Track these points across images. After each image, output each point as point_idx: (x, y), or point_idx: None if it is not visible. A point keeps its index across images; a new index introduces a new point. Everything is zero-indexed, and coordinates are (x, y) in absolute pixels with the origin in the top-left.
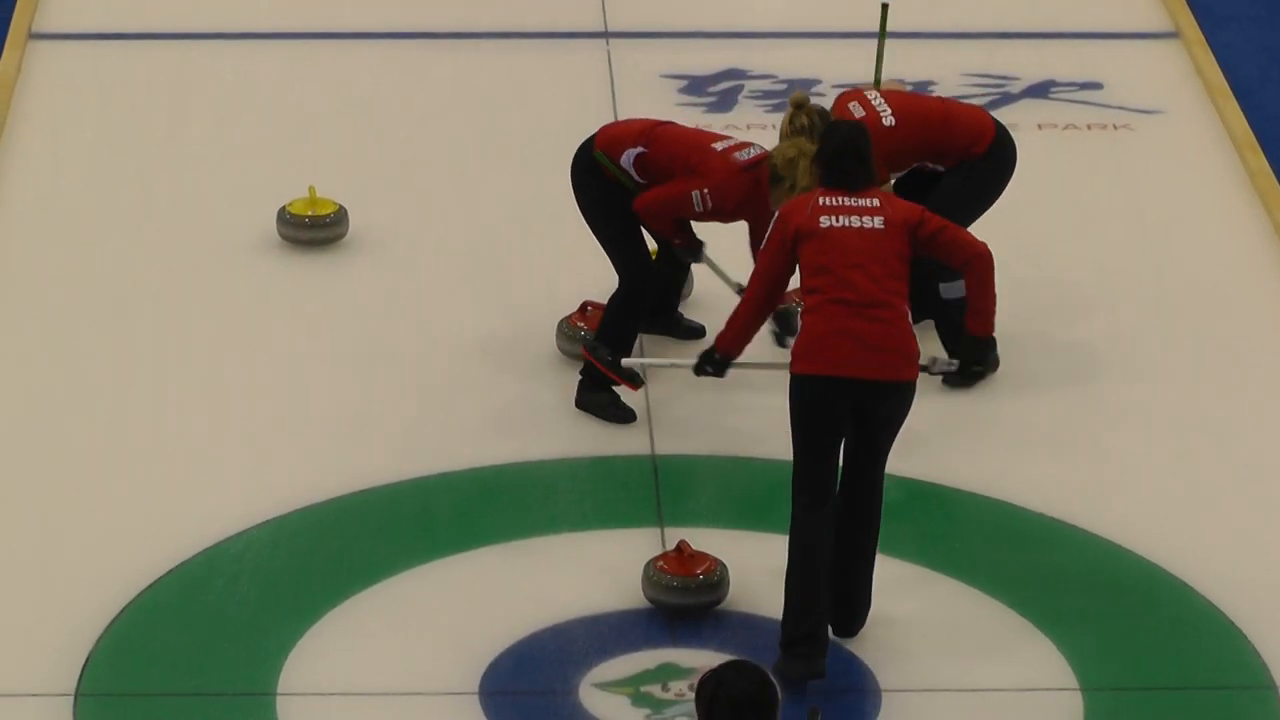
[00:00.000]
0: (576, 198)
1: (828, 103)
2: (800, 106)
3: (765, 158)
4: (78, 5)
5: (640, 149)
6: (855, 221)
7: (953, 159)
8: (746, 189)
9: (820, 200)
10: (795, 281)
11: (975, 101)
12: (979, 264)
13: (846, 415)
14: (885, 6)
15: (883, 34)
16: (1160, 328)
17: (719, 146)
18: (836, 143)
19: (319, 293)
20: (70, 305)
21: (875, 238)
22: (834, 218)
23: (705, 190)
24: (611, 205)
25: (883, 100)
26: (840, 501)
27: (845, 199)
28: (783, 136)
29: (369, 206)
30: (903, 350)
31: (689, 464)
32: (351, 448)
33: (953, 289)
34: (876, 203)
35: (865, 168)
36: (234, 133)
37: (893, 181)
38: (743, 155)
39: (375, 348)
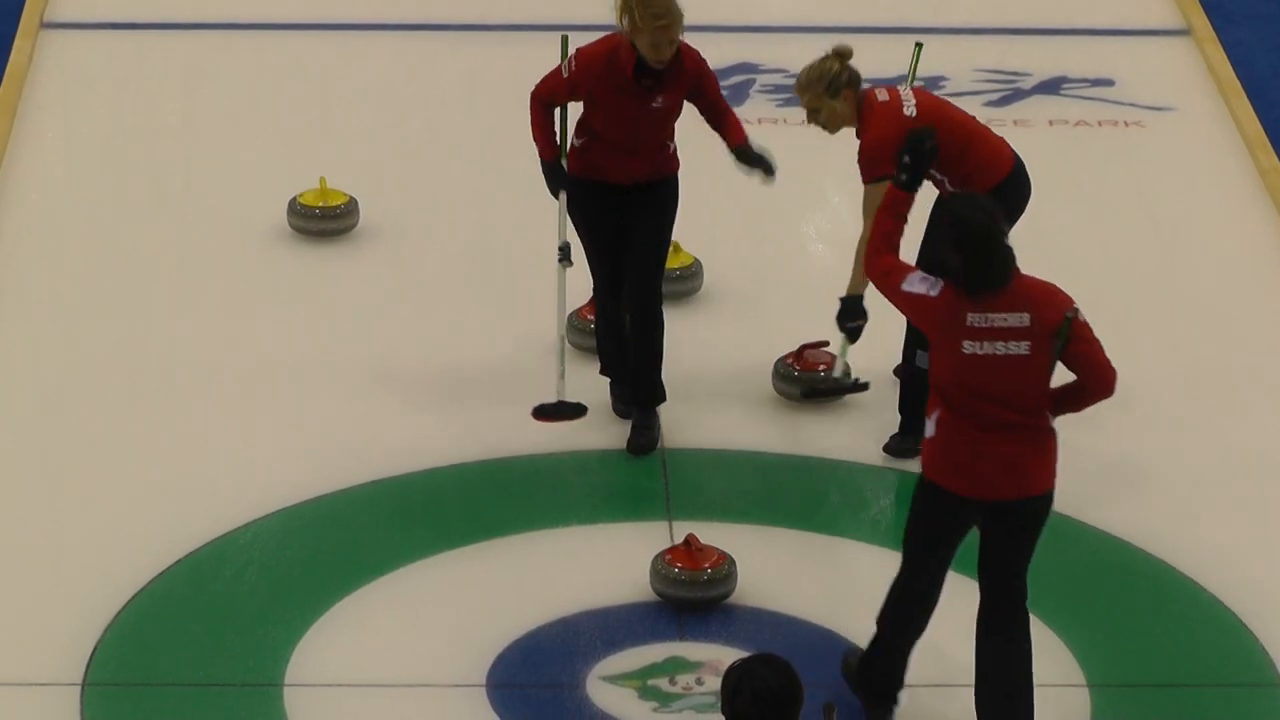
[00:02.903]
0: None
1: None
2: (842, 56)
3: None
4: None
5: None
6: (1000, 349)
7: (959, 180)
8: (605, 46)
9: (968, 319)
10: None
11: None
12: (1097, 391)
13: (968, 526)
14: (919, 45)
15: (913, 73)
16: (1170, 325)
17: None
18: (969, 231)
19: (329, 283)
20: (81, 295)
21: (1021, 366)
22: (979, 344)
23: (572, 55)
24: (573, 210)
25: (911, 94)
26: (982, 616)
27: (992, 316)
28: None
29: (380, 198)
30: (1041, 466)
31: (698, 457)
32: (360, 439)
33: (926, 358)
34: (1026, 320)
35: (1004, 256)
36: (245, 123)
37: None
38: None
39: (385, 339)
